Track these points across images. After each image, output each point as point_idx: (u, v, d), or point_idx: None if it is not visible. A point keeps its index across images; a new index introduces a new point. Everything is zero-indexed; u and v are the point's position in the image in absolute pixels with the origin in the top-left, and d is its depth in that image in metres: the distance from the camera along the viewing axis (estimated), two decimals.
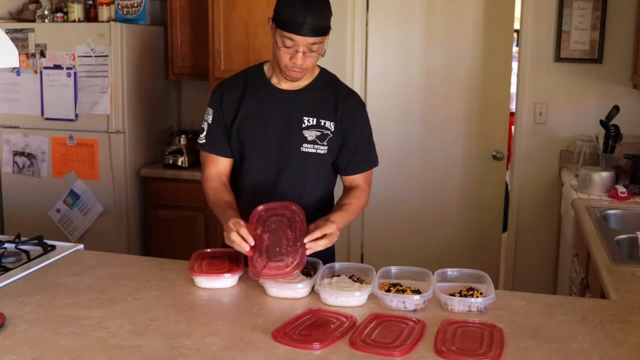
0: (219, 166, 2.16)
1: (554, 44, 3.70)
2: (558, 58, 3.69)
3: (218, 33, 3.78)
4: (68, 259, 2.12)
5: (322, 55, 2.01)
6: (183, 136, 4.15)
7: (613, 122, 3.28)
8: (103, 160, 3.94)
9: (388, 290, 1.78)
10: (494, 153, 4.00)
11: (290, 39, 1.93)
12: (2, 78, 4.03)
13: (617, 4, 3.59)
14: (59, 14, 3.99)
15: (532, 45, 3.73)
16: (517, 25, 4.09)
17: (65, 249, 2.20)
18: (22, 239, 2.25)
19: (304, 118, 2.07)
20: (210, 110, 2.15)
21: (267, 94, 2.10)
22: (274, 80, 2.11)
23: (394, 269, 1.93)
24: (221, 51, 3.79)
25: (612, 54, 3.63)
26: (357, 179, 2.17)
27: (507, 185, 4.16)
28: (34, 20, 4.04)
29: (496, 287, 1.97)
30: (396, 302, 1.74)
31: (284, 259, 1.81)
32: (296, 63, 1.96)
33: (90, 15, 4.05)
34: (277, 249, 1.83)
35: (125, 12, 4.05)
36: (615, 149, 3.31)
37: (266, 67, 2.15)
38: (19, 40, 3.95)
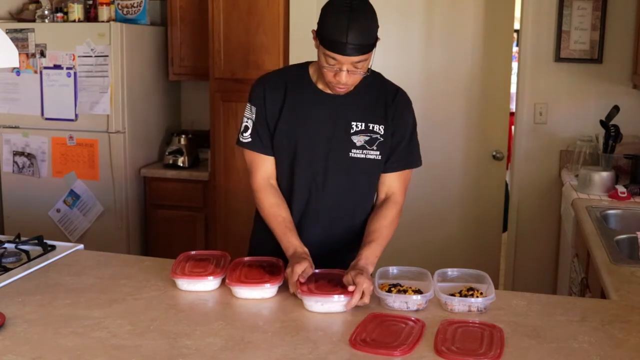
0: (267, 168, 2.06)
1: (554, 44, 3.69)
2: (558, 58, 3.69)
3: (218, 33, 3.78)
4: (68, 259, 2.12)
5: (368, 72, 1.94)
6: (183, 136, 4.15)
7: (613, 122, 3.28)
8: (103, 160, 3.94)
9: (389, 291, 1.78)
10: (494, 153, 4.00)
11: (333, 58, 1.84)
12: (2, 78, 4.03)
13: (617, 4, 3.58)
14: (59, 14, 3.99)
15: (532, 45, 3.73)
16: (517, 25, 4.08)
17: (65, 249, 2.20)
18: (22, 239, 2.24)
19: (352, 123, 1.99)
20: (252, 108, 2.04)
21: (312, 97, 2.01)
22: (320, 86, 2.01)
23: (393, 269, 1.93)
24: (221, 51, 3.79)
25: (612, 54, 3.62)
26: (393, 183, 2.07)
27: (507, 185, 4.16)
28: (34, 20, 4.04)
29: (496, 287, 1.97)
30: (399, 303, 1.74)
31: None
32: (340, 81, 1.89)
33: (90, 15, 4.05)
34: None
35: (125, 12, 4.05)
36: (615, 149, 3.31)
37: (311, 70, 2.05)
38: (19, 40, 3.95)
